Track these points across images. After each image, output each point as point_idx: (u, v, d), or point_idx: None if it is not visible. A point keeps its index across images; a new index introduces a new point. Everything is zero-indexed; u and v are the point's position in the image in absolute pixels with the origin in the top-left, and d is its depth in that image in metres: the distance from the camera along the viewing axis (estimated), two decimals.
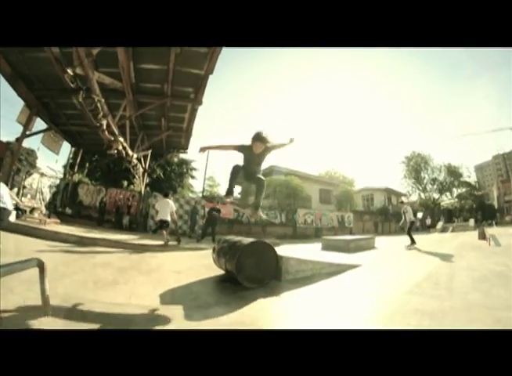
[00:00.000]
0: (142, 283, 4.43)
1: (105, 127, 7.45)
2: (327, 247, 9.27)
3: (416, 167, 33.74)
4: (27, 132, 10.15)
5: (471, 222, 23.03)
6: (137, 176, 15.08)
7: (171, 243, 8.56)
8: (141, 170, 14.94)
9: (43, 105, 10.36)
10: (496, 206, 29.47)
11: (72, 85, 5.94)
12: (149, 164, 15.62)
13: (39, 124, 11.11)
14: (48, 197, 14.09)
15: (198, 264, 6.08)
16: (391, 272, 5.61)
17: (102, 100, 6.87)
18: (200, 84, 9.07)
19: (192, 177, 28.96)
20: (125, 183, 19.81)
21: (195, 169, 28.62)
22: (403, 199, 10.58)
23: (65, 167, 15.95)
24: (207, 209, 12.73)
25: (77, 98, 6.35)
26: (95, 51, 5.87)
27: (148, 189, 17.46)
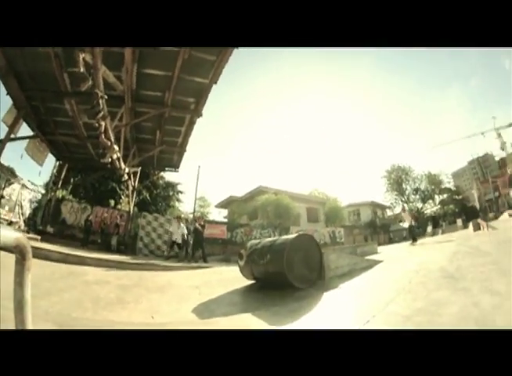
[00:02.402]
0: (158, 300, 3.90)
1: (103, 130, 6.88)
2: None
3: (398, 179, 34.92)
4: (12, 136, 9.21)
5: (459, 222, 24.18)
6: (125, 195, 14.21)
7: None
8: (130, 188, 14.14)
9: (32, 108, 9.54)
10: (478, 206, 30.50)
11: (81, 70, 5.44)
12: (137, 184, 14.89)
13: (24, 130, 10.18)
14: (28, 211, 12.85)
15: (213, 279, 5.60)
16: (417, 258, 5.76)
17: (105, 97, 6.35)
18: (202, 94, 8.80)
19: (178, 200, 28.33)
20: (112, 203, 18.77)
21: (181, 192, 28.06)
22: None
23: (48, 183, 14.83)
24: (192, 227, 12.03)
25: (84, 86, 5.80)
26: None
27: (136, 209, 16.58)
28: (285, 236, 4.16)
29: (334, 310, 2.96)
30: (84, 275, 5.04)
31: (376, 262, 5.73)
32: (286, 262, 3.51)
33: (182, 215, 12.77)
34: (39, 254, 6.05)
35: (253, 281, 4.54)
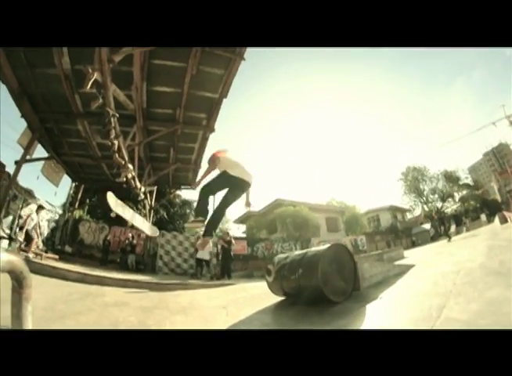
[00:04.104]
0: (182, 323, 3.60)
1: (116, 149, 6.87)
2: None
3: (414, 181, 33.93)
4: (27, 157, 9.42)
5: (483, 217, 23.35)
6: (142, 215, 14.24)
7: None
8: (147, 207, 14.15)
9: (46, 130, 9.70)
10: (500, 199, 29.20)
11: (88, 87, 5.48)
12: (154, 203, 14.89)
13: (39, 152, 10.39)
14: (46, 231, 12.90)
15: (239, 297, 5.32)
16: (450, 258, 5.53)
17: (117, 115, 6.35)
18: (213, 109, 8.80)
19: None
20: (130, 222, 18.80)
21: None
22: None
23: (65, 203, 15.03)
24: (219, 245, 12.06)
25: (94, 105, 5.84)
26: (117, 58, 5.60)
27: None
28: (315, 248, 3.95)
29: (385, 324, 2.65)
30: (103, 296, 4.80)
31: (409, 267, 5.44)
32: (321, 274, 3.27)
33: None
34: (57, 273, 6.03)
35: (282, 297, 4.28)
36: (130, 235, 13.86)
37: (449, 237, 12.70)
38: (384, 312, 2.99)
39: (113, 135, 6.54)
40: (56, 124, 9.44)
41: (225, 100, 8.34)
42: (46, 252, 9.99)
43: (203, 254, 10.35)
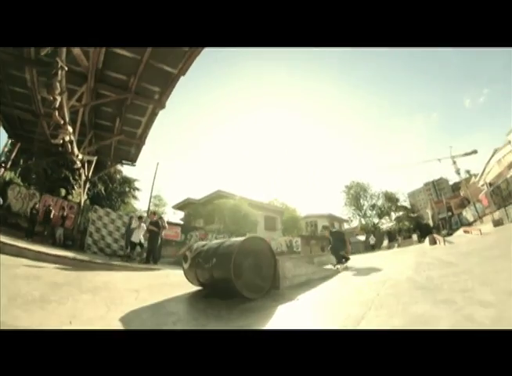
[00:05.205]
0: (87, 302, 3.34)
1: (57, 105, 6.13)
2: None
3: (356, 195, 36.40)
4: None
5: (414, 236, 25.91)
6: (78, 186, 13.10)
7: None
8: (83, 177, 13.05)
9: None
10: (432, 224, 32.62)
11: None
12: (91, 175, 13.79)
13: None
14: None
15: (157, 283, 5.16)
16: (380, 268, 5.70)
17: (66, 69, 5.67)
18: (168, 85, 8.42)
19: (134, 197, 27.14)
20: (63, 192, 17.28)
21: (138, 189, 27.29)
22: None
23: None
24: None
25: (44, 51, 5.16)
26: None
27: (88, 202, 15.39)
28: (234, 239, 3.78)
29: (292, 328, 2.53)
30: (16, 268, 4.52)
31: (336, 272, 5.58)
32: (234, 267, 3.10)
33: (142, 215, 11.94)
34: None
35: (199, 287, 4.12)
36: (62, 206, 12.64)
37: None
38: (296, 315, 2.88)
39: (57, 89, 5.84)
40: (3, 66, 8.25)
41: (182, 78, 8.01)
42: None
43: (136, 237, 9.72)
